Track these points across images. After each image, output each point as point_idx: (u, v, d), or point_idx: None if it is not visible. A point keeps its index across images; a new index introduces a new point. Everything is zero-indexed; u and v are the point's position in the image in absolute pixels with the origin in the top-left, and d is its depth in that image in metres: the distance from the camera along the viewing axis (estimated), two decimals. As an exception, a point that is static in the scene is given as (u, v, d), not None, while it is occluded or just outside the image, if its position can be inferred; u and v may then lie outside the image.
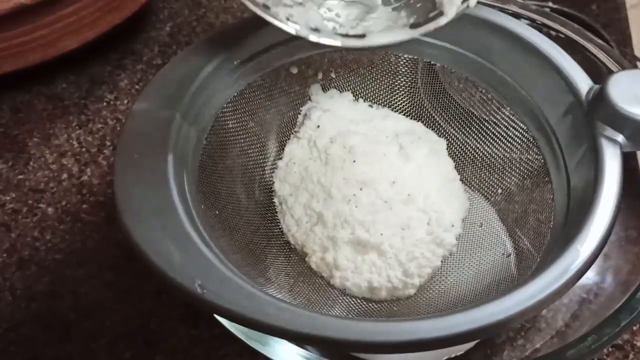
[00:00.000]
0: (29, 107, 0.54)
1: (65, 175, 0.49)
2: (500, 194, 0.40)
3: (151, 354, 0.38)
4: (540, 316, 0.38)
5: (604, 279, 0.36)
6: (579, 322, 0.35)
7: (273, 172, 0.41)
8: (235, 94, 0.37)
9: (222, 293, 0.25)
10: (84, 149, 0.50)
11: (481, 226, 0.39)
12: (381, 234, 0.36)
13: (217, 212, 0.34)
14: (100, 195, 0.47)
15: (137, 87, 0.56)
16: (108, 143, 0.51)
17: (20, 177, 0.49)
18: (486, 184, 0.41)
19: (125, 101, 0.54)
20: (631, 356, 0.38)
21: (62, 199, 0.47)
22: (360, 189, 0.37)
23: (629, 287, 0.33)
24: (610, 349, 0.38)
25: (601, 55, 0.40)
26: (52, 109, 0.53)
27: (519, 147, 0.38)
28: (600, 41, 0.41)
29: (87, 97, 0.54)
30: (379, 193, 0.37)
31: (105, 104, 0.54)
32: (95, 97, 0.54)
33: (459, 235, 0.39)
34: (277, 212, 0.40)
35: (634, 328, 0.39)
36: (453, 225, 0.38)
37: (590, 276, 0.38)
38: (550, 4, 0.58)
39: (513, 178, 0.39)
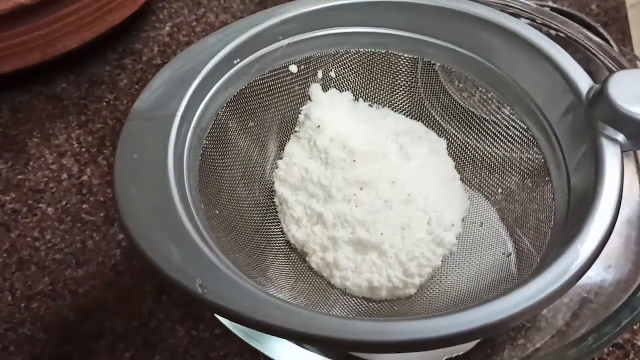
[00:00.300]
0: (28, 107, 0.54)
1: (65, 175, 0.49)
2: (501, 193, 0.40)
3: (151, 354, 0.38)
4: (541, 315, 0.38)
5: (604, 278, 0.36)
6: (580, 322, 0.35)
7: (273, 172, 0.41)
8: (235, 94, 0.37)
9: (222, 292, 0.25)
10: (83, 149, 0.50)
11: (481, 225, 0.39)
12: (381, 234, 0.36)
13: (217, 212, 0.34)
14: (100, 195, 0.47)
15: (136, 87, 0.56)
16: (108, 143, 0.51)
17: (19, 177, 0.49)
18: (486, 183, 0.41)
19: (125, 101, 0.54)
20: (632, 355, 0.38)
21: (62, 199, 0.47)
22: (360, 189, 0.37)
23: (630, 286, 0.33)
24: (610, 348, 0.38)
25: (600, 55, 0.40)
26: (51, 109, 0.54)
27: (519, 146, 0.38)
28: (599, 40, 0.41)
29: (87, 97, 0.54)
30: (379, 193, 0.37)
31: (104, 103, 0.54)
32: (95, 97, 0.54)
33: (459, 235, 0.38)
34: (277, 212, 0.40)
35: (635, 327, 0.39)
36: (453, 225, 0.38)
37: (590, 275, 0.37)
38: (550, 3, 0.58)
39: (513, 177, 0.39)
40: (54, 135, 0.51)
